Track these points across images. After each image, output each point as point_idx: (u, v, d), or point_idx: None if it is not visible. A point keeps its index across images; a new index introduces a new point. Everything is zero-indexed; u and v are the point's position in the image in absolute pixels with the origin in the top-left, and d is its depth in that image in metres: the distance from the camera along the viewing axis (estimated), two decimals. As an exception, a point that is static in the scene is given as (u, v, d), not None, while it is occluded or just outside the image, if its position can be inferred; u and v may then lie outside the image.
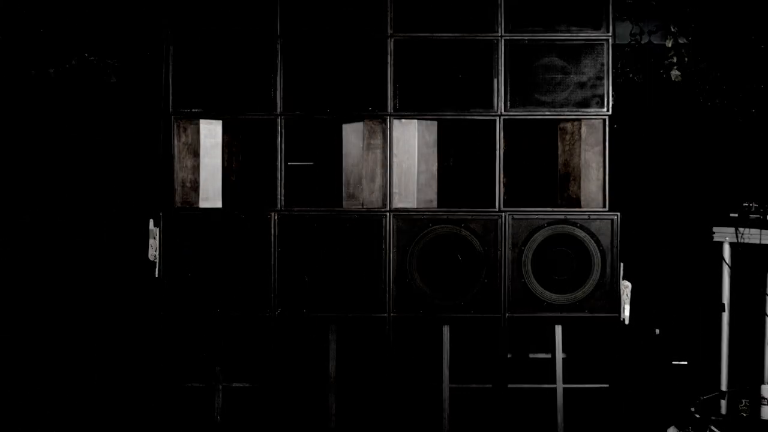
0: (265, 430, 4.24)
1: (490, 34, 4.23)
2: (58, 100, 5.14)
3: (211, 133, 4.41)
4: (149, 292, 4.40)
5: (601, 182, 4.28)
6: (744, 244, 4.49)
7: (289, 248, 4.22)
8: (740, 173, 5.13)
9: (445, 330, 4.25)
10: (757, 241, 4.44)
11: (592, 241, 4.18)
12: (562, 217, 4.22)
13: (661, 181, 5.29)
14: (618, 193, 4.40)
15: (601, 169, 4.27)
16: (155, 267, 4.19)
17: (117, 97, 5.22)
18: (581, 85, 4.22)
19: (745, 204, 4.56)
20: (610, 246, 4.19)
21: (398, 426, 4.26)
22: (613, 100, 4.23)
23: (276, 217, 4.22)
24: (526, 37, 4.22)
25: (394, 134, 4.28)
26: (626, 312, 4.20)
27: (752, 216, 4.50)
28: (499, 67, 4.21)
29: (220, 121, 4.40)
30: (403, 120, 4.32)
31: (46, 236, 5.08)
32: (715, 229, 4.66)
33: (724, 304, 4.64)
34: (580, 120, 4.32)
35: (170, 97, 4.26)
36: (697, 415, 4.31)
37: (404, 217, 4.24)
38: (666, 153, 5.30)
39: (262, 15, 4.26)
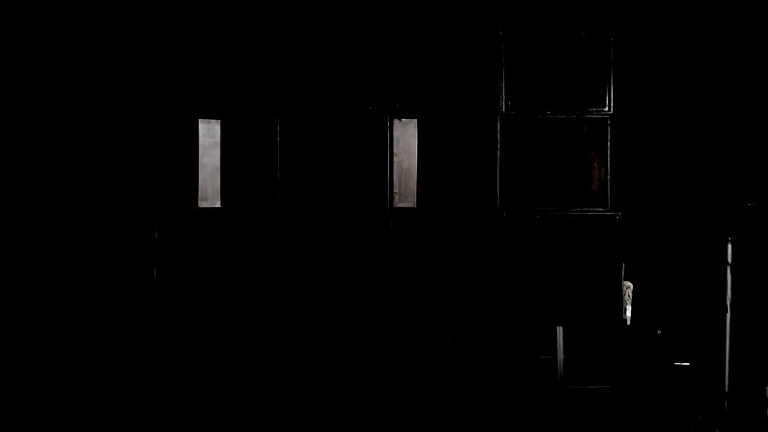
0: None
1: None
2: (57, 99, 5.12)
3: (210, 132, 4.35)
4: (147, 292, 4.38)
5: (603, 182, 4.25)
6: (746, 244, 4.46)
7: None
8: (743, 173, 5.09)
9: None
10: (760, 242, 4.41)
11: (593, 240, 4.16)
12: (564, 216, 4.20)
13: (663, 181, 5.26)
14: (620, 192, 4.37)
15: (603, 169, 4.25)
16: (153, 267, 4.17)
17: (116, 97, 5.19)
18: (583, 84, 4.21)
19: (747, 204, 4.53)
20: (612, 245, 4.17)
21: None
22: (615, 100, 4.21)
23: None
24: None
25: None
26: (628, 312, 4.17)
27: (755, 216, 4.47)
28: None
29: (219, 121, 4.37)
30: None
31: (45, 237, 5.06)
32: (717, 229, 4.63)
33: (727, 305, 4.61)
34: (581, 119, 4.30)
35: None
36: (700, 417, 4.28)
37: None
38: (668, 152, 5.27)
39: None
